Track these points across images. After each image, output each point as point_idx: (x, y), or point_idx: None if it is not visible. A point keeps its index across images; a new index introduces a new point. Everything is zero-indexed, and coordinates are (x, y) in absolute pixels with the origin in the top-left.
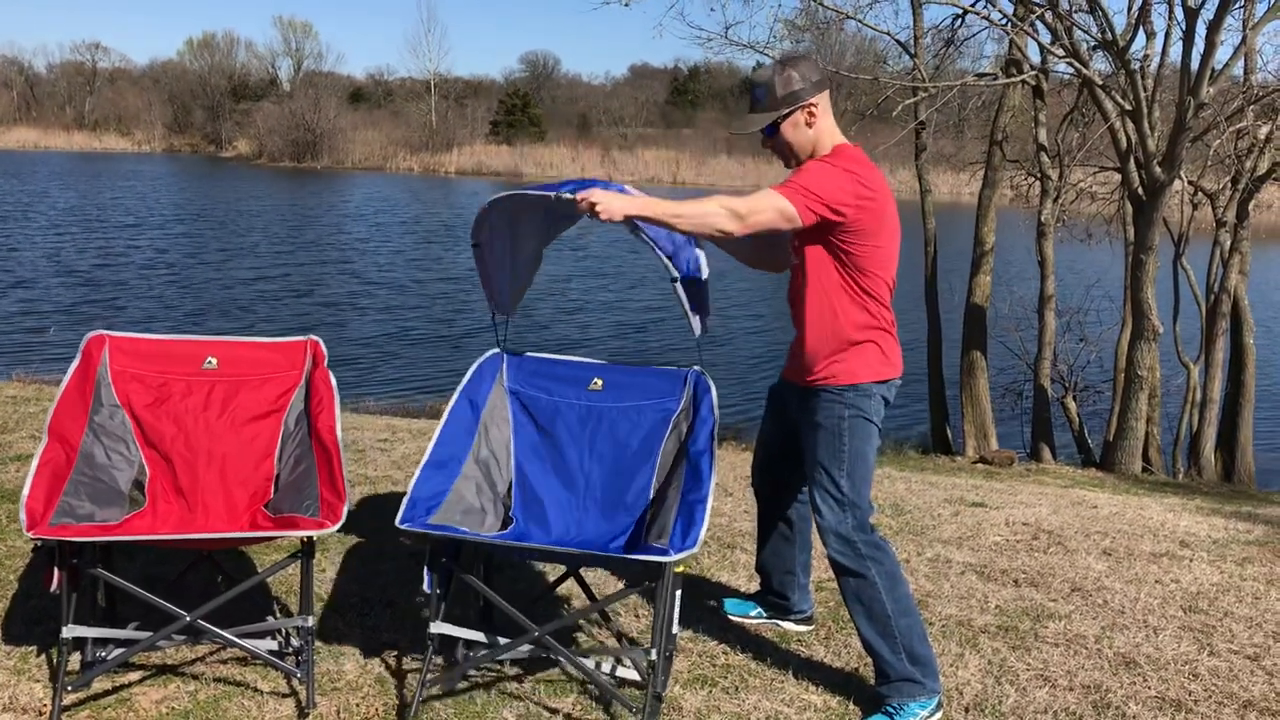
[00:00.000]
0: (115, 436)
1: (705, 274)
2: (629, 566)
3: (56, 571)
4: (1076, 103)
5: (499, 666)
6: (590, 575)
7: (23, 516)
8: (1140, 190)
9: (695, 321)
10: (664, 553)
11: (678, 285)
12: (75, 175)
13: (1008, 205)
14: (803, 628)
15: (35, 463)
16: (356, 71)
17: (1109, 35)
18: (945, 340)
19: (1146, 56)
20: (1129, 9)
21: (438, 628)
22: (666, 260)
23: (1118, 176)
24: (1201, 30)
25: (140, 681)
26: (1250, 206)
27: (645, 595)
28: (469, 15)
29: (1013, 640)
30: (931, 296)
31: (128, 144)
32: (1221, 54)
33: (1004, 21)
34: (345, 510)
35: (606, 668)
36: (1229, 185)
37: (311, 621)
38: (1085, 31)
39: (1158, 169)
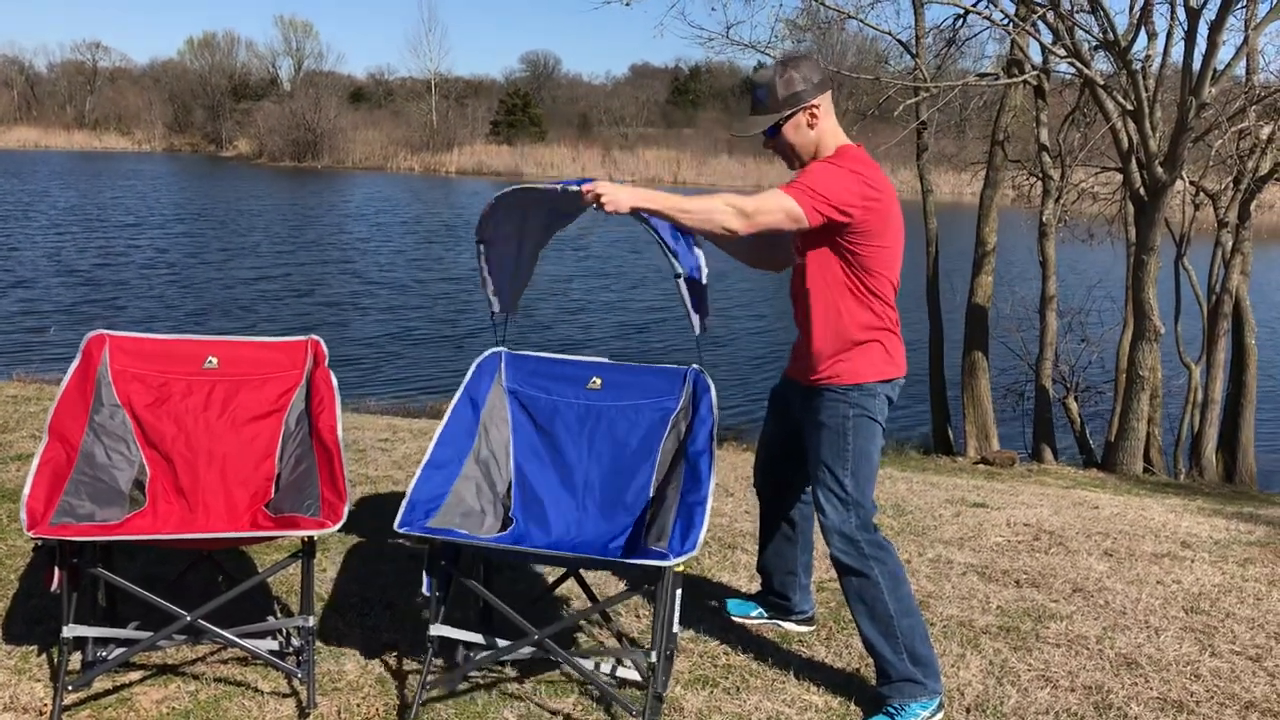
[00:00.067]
0: (116, 436)
1: (705, 275)
2: (629, 568)
3: (57, 571)
4: (1078, 103)
5: (499, 667)
6: (590, 575)
7: (23, 516)
8: (1142, 190)
9: (696, 320)
10: (663, 556)
11: (681, 281)
12: (76, 174)
13: (1009, 205)
14: (804, 628)
15: (36, 462)
16: (357, 71)
17: (1111, 35)
18: (947, 340)
19: (1148, 57)
20: (1131, 9)
21: (437, 630)
22: (671, 255)
23: (1119, 177)
24: (1203, 30)
25: (141, 681)
26: (1252, 207)
27: (646, 596)
28: (469, 15)
29: (1014, 641)
30: (933, 296)
31: (128, 143)
32: (1223, 54)
33: (1005, 21)
34: (346, 510)
35: (607, 668)
36: (1231, 186)
37: (312, 621)
38: (1087, 31)
39: (1159, 169)
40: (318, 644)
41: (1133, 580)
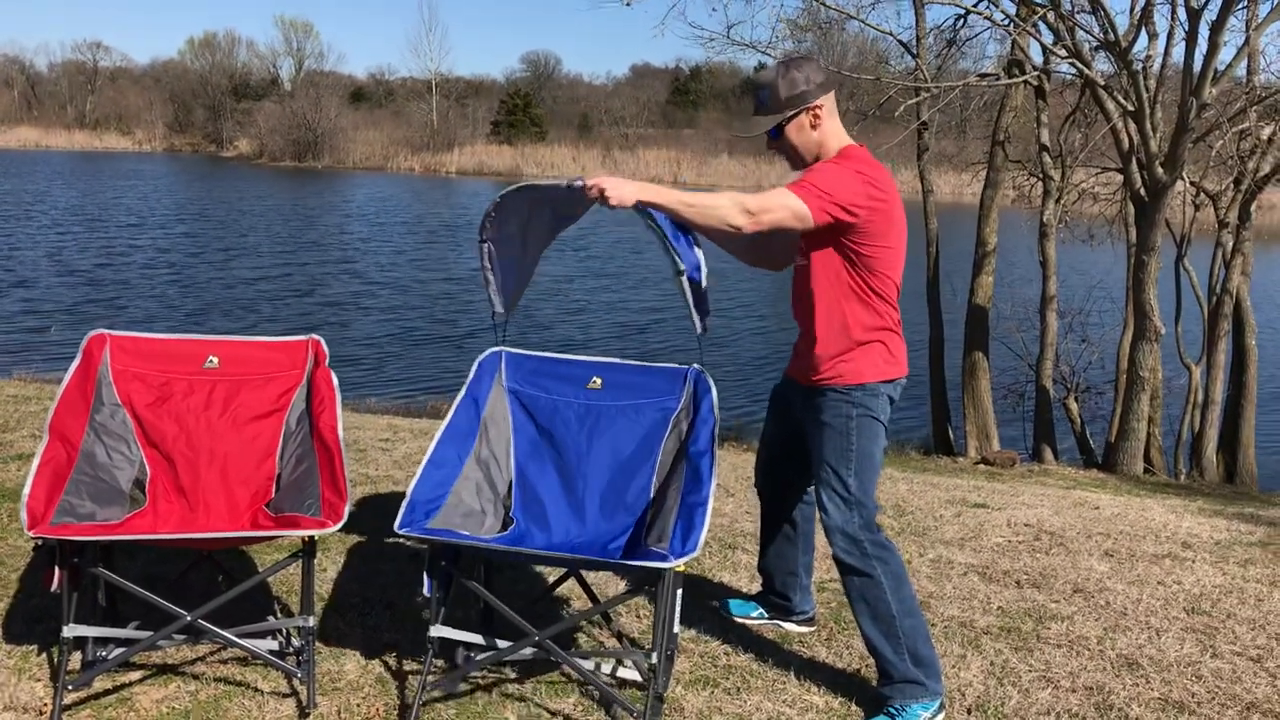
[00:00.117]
0: (116, 436)
1: (704, 276)
2: (630, 569)
3: (57, 571)
4: (1079, 103)
5: (500, 668)
6: (591, 575)
7: (24, 515)
8: (1142, 191)
9: (698, 319)
10: (663, 558)
11: (683, 279)
12: (76, 174)
13: (1010, 206)
14: (805, 629)
15: (36, 462)
16: (358, 71)
17: (1111, 36)
18: (947, 341)
19: (1149, 57)
20: (1131, 9)
21: (438, 631)
22: (674, 252)
23: (1120, 177)
24: (1204, 31)
25: (141, 681)
26: (1253, 208)
27: (646, 596)
28: (470, 15)
29: (1015, 641)
30: (933, 297)
31: (129, 143)
32: (1224, 55)
33: (1006, 22)
34: (347, 510)
35: (607, 669)
36: (1231, 186)
37: (312, 621)
38: (1087, 32)
39: (1160, 170)
40: (318, 644)
41: (1134, 581)
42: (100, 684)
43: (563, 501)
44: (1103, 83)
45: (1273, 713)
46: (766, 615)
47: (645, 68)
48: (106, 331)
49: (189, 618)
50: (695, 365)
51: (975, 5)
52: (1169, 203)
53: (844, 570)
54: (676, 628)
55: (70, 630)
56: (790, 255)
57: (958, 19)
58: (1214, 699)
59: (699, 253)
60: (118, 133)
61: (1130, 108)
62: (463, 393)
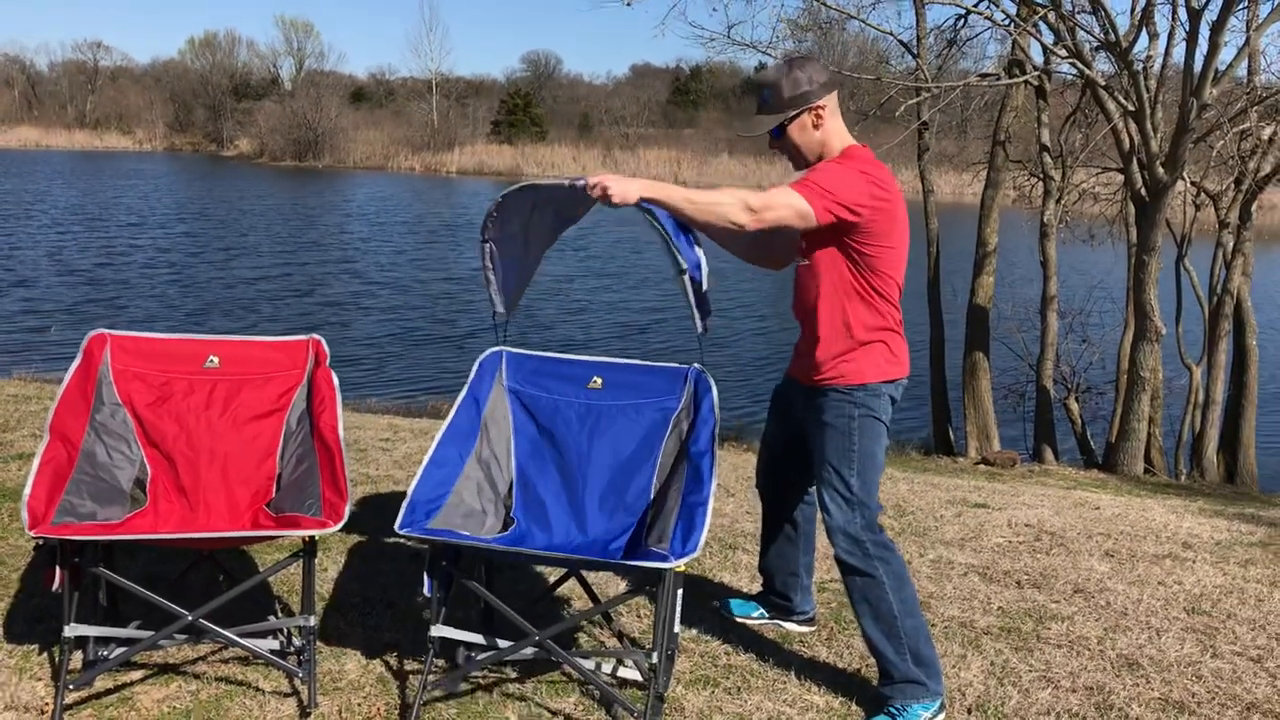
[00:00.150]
0: (117, 435)
1: (704, 275)
2: (630, 569)
3: (58, 570)
4: (1079, 103)
5: (501, 668)
6: (592, 575)
7: (24, 515)
8: (1143, 191)
9: (699, 318)
10: (664, 558)
11: (685, 278)
12: (77, 174)
13: (1010, 206)
14: (805, 628)
15: (37, 461)
16: (358, 71)
17: (1112, 36)
18: (948, 341)
19: (1149, 57)
20: (1132, 10)
21: (438, 631)
22: (676, 251)
23: (1120, 177)
24: (1205, 31)
25: (142, 680)
26: (1253, 208)
27: (647, 596)
28: (470, 15)
29: (1015, 641)
30: (934, 297)
31: (129, 143)
32: (1225, 55)
33: (1007, 22)
34: (347, 510)
35: (608, 669)
36: (1232, 187)
37: (313, 621)
38: (1088, 32)
39: (1160, 170)
40: (319, 644)
41: (1134, 581)
42: (101, 683)
43: (563, 501)
44: (1103, 83)
45: (1273, 713)
46: (767, 615)
47: (646, 67)
48: (107, 331)
49: (190, 617)
50: (696, 365)
51: (976, 5)
52: (1170, 203)
53: (846, 570)
54: (677, 628)
55: (71, 630)
56: (791, 254)
57: (958, 19)
58: (1214, 699)
59: (699, 252)
60: (118, 132)
61: (1131, 108)
62: (464, 392)
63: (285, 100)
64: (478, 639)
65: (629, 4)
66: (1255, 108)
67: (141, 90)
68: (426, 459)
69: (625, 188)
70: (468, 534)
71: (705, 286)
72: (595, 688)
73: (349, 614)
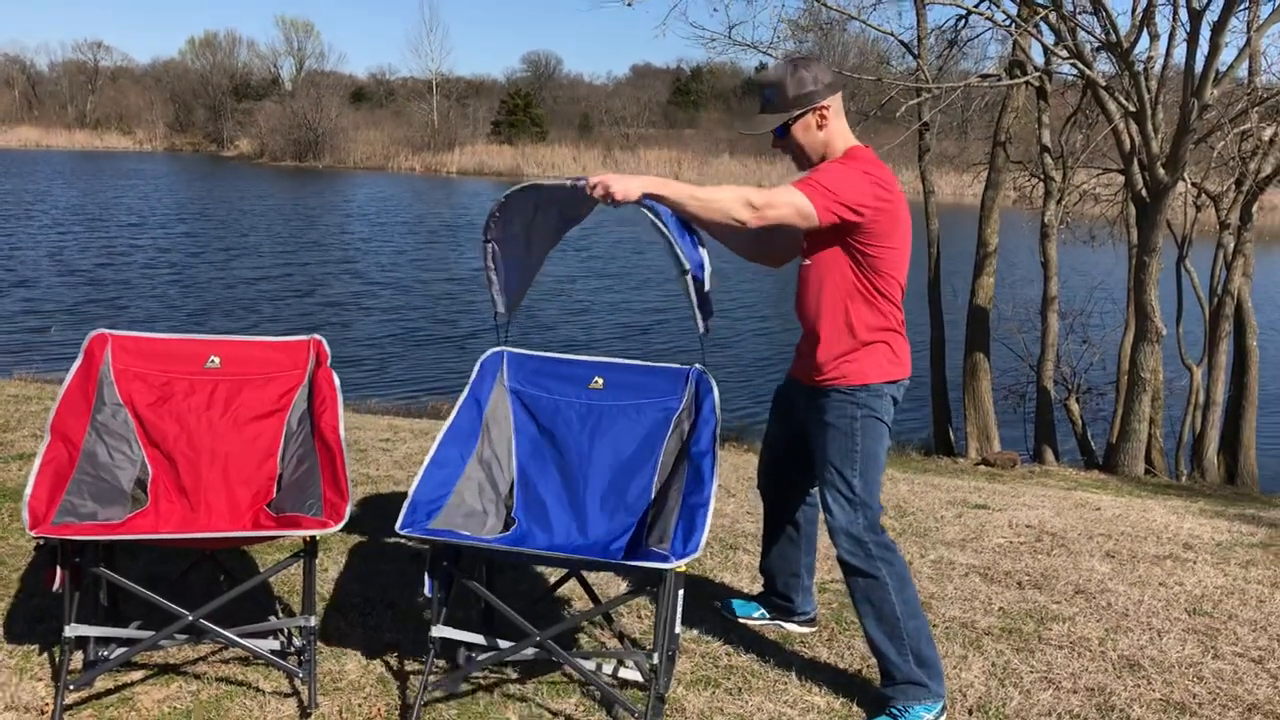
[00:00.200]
0: (118, 435)
1: (708, 276)
2: (631, 569)
3: (59, 570)
4: (1080, 104)
5: (501, 668)
6: (593, 575)
7: (25, 515)
8: (1144, 192)
9: (700, 319)
10: (665, 559)
11: (687, 278)
12: (77, 174)
13: (1011, 207)
14: (806, 629)
15: (38, 461)
16: (358, 71)
17: (1113, 36)
18: (948, 342)
19: (1150, 58)
20: (1133, 10)
21: (439, 631)
22: (679, 250)
23: (1121, 178)
24: (1206, 32)
25: (142, 681)
26: (1254, 209)
27: (648, 597)
28: (471, 15)
29: (1016, 642)
30: (934, 298)
31: (129, 143)
32: (1226, 56)
33: (1007, 22)
34: (348, 510)
35: (609, 669)
36: (1233, 187)
37: (314, 621)
38: (1089, 33)
39: (1161, 171)
40: (319, 644)
41: (1135, 582)
42: (102, 684)
43: (564, 502)
44: (1104, 83)
45: (1274, 714)
46: (768, 616)
47: (646, 68)
48: (108, 331)
49: (190, 617)
50: (697, 365)
51: (977, 6)
52: (1170, 204)
53: (848, 571)
54: (678, 628)
55: (72, 630)
56: (790, 253)
57: (959, 20)
58: (1215, 700)
59: (703, 252)
60: (118, 132)
61: (1132, 109)
62: (465, 393)
63: (285, 100)
64: (478, 639)
65: (629, 4)
66: (1256, 108)
67: (142, 90)
68: (428, 459)
69: (627, 185)
70: (469, 534)
71: (708, 286)
72: (596, 688)
73: (349, 614)
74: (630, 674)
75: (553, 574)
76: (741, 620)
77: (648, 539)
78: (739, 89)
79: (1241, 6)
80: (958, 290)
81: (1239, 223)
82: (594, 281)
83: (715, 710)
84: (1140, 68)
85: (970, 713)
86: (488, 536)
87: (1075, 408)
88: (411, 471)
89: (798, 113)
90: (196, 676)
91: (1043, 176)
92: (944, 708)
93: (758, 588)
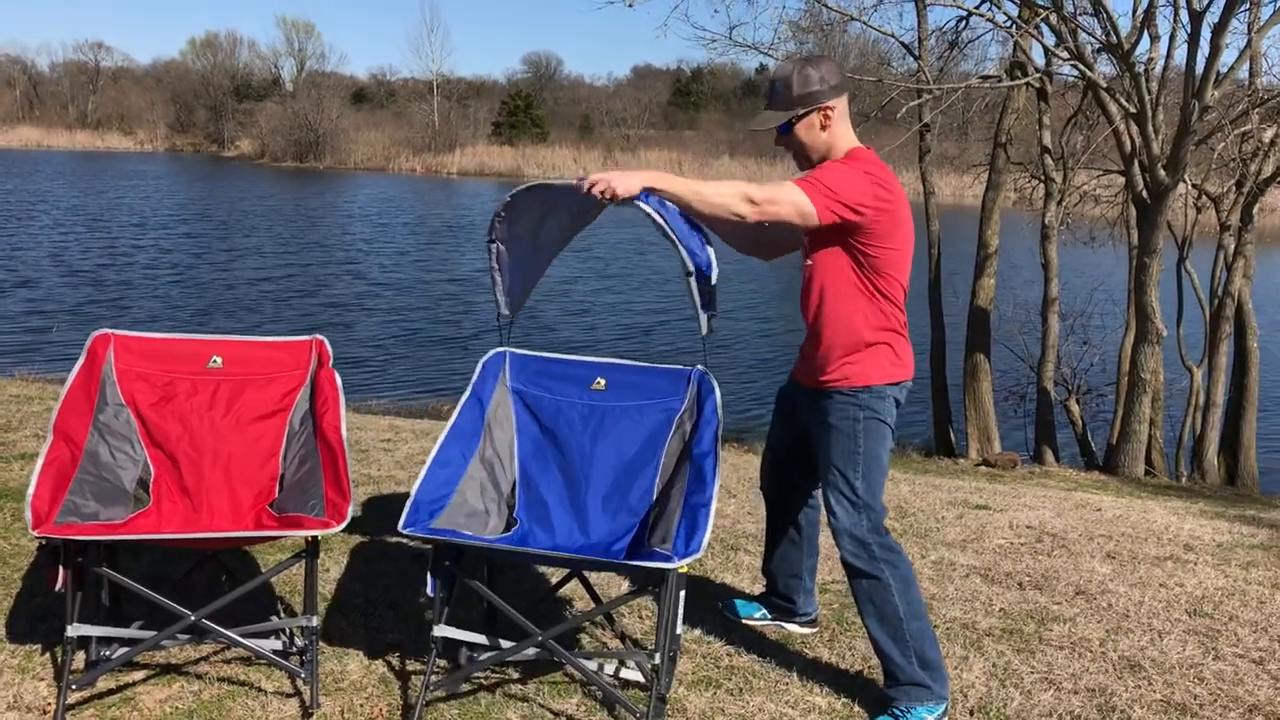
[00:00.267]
0: (120, 435)
1: (715, 273)
2: (633, 569)
3: (61, 570)
4: (1080, 105)
5: (503, 668)
6: (594, 576)
7: (28, 515)
8: (1144, 193)
9: (704, 319)
10: (667, 559)
11: (691, 279)
12: (78, 174)
13: (1011, 208)
14: (807, 630)
15: (40, 461)
16: (359, 72)
17: (1113, 38)
18: (949, 343)
19: (1151, 59)
20: (1134, 12)
21: (441, 631)
22: (683, 251)
23: (1121, 179)
24: (1206, 33)
25: (144, 681)
26: (1254, 210)
27: (650, 597)
28: (471, 16)
29: (1017, 643)
30: (935, 299)
31: (130, 143)
32: (1226, 57)
33: (1008, 24)
34: (350, 510)
35: (610, 669)
36: (1233, 189)
37: (316, 622)
38: (1090, 34)
39: (1162, 172)
40: (321, 644)
41: (1135, 583)
42: (104, 683)
43: (566, 502)
44: (1105, 85)
45: (1275, 715)
46: (769, 616)
47: (647, 69)
48: (111, 331)
49: (193, 617)
50: (699, 366)
51: (977, 7)
52: (1171, 205)
53: (852, 573)
54: (679, 628)
55: (74, 630)
56: (782, 246)
57: (960, 21)
58: (1216, 701)
59: (711, 251)
60: (119, 133)
61: (1132, 110)
62: (467, 393)
63: (286, 101)
64: (480, 639)
65: (631, 5)
66: (1256, 110)
67: (143, 91)
68: (430, 459)
69: (628, 182)
70: (471, 534)
71: (714, 280)
72: (597, 688)
73: (351, 614)
74: (632, 674)
75: (554, 574)
76: (743, 621)
77: (650, 539)
78: (739, 90)
79: (1242, 8)
80: (958, 291)
81: (1239, 224)
82: (596, 282)
83: (717, 710)
84: (1141, 69)
85: (971, 713)
86: (490, 536)
87: (1076, 409)
88: (413, 472)
89: (802, 111)
90: (198, 676)
91: (1043, 178)
92: (946, 709)
93: (759, 588)
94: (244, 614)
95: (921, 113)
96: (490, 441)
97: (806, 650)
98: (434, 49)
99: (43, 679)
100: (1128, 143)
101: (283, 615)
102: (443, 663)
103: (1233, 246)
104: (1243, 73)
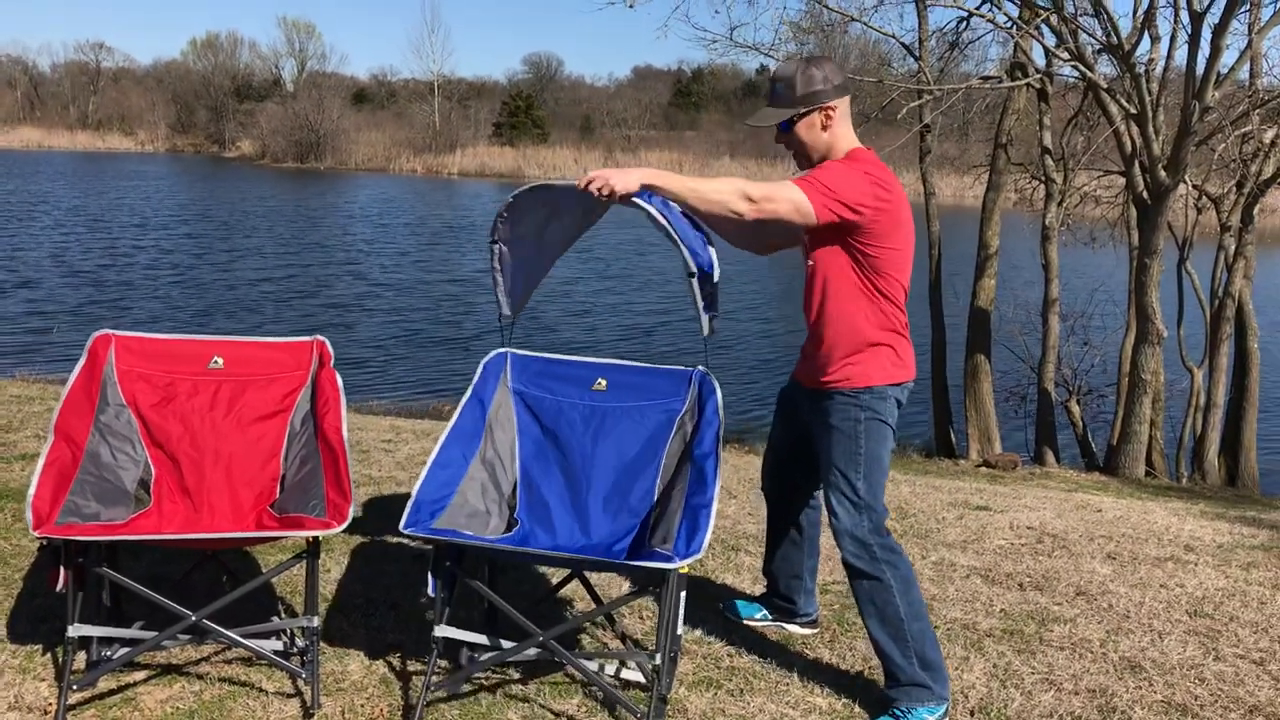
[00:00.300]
0: (121, 436)
1: (717, 272)
2: (634, 570)
3: (62, 570)
4: (1081, 106)
5: (504, 668)
6: (595, 576)
7: (29, 515)
8: (1145, 194)
9: (706, 320)
10: (668, 559)
11: (694, 280)
12: (79, 175)
13: (1012, 209)
14: (808, 630)
15: (41, 462)
16: (360, 72)
17: (1114, 39)
18: (949, 344)
19: (1151, 60)
20: (1134, 12)
21: (442, 631)
22: (686, 251)
23: (1122, 180)
24: (1207, 34)
25: (145, 681)
26: (1255, 211)
27: (650, 597)
28: (472, 16)
29: (1018, 644)
30: (936, 300)
31: (131, 144)
32: (1227, 58)
33: (1009, 24)
34: (351, 511)
35: (611, 670)
36: (1234, 189)
37: (316, 622)
38: (1090, 35)
39: (1162, 173)
40: (322, 644)
41: (1136, 584)
42: (105, 684)
43: (567, 502)
44: (1105, 86)
45: (1276, 716)
46: (770, 617)
47: (647, 69)
48: (112, 332)
49: (193, 618)
50: (700, 367)
51: (978, 8)
52: (1171, 206)
53: (853, 574)
54: (680, 629)
55: (75, 630)
56: (779, 242)
57: (960, 22)
58: (1217, 702)
59: (712, 251)
60: (120, 133)
61: (1133, 111)
62: (468, 394)
63: (287, 102)
64: (481, 639)
65: (631, 6)
66: (1257, 111)
67: (143, 91)
68: (431, 459)
69: (626, 179)
70: (472, 534)
71: (716, 278)
72: (598, 689)
73: (352, 615)
74: (632, 675)
75: (555, 574)
76: (744, 621)
77: (650, 540)
78: (740, 91)
79: (1242, 9)
80: (959, 292)
81: (1240, 225)
82: (597, 283)
83: (717, 711)
84: (1141, 70)
85: (972, 714)
86: (491, 537)
87: (1076, 409)
88: (414, 472)
89: (804, 110)
90: (199, 677)
91: (1044, 178)
92: (947, 710)
93: (760, 589)
94: (245, 614)
95: (922, 113)
96: (491, 442)
97: (807, 651)
98: (435, 49)
99: (44, 679)
100: (1128, 143)
101: (284, 616)
102: (444, 663)
103: (1233, 247)
104: (1243, 74)
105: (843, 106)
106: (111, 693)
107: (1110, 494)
